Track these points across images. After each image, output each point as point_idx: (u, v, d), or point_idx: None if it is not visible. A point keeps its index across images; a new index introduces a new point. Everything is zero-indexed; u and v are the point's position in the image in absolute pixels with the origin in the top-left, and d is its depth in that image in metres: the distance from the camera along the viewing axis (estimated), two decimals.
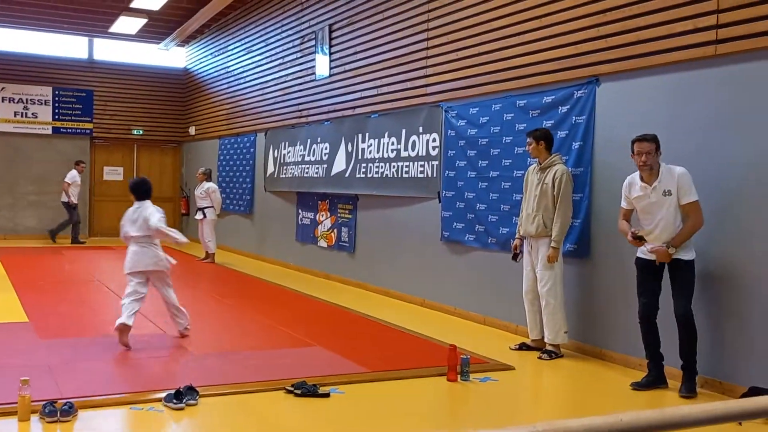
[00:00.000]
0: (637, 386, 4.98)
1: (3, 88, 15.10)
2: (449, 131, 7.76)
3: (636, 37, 5.52)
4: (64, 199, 14.36)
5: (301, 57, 11.20)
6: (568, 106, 6.21)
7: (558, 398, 5.22)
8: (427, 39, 8.11)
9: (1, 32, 15.07)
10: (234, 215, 13.81)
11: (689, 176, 4.81)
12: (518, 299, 6.76)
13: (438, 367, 5.25)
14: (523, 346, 6.14)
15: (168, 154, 17.23)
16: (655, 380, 4.99)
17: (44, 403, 4.06)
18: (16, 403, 4.00)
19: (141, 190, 6.44)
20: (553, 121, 6.36)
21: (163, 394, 4.39)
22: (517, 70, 6.78)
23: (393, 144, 8.80)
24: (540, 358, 5.82)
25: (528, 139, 6.01)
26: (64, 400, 4.12)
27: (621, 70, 5.69)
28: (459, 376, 5.05)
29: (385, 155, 8.94)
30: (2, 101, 15.12)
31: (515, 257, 6.22)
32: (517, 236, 6.26)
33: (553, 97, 6.37)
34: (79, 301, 8.15)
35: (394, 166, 8.77)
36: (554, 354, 5.82)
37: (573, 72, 6.15)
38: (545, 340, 5.90)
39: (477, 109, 7.32)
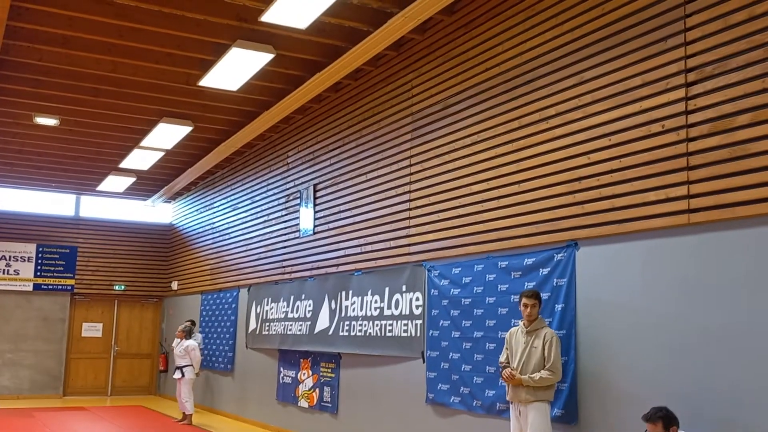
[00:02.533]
0: None
1: None
2: (432, 290, 7.81)
3: (610, 204, 5.73)
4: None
5: (286, 214, 11.42)
6: (549, 268, 6.32)
7: None
8: (410, 200, 8.34)
9: None
10: (214, 373, 13.51)
11: None
12: None
13: None
14: None
15: (149, 309, 17.08)
16: None
17: None
18: None
19: None
20: (534, 283, 6.43)
21: None
22: (498, 233, 6.94)
23: (376, 302, 8.81)
24: None
25: (530, 300, 5.89)
26: None
27: (598, 235, 5.85)
28: None
29: (369, 313, 8.92)
30: None
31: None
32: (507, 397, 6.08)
33: (534, 259, 6.49)
34: None
35: (377, 325, 8.73)
36: None
37: (552, 236, 6.31)
38: None
39: (459, 269, 7.42)
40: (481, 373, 6.98)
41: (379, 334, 8.67)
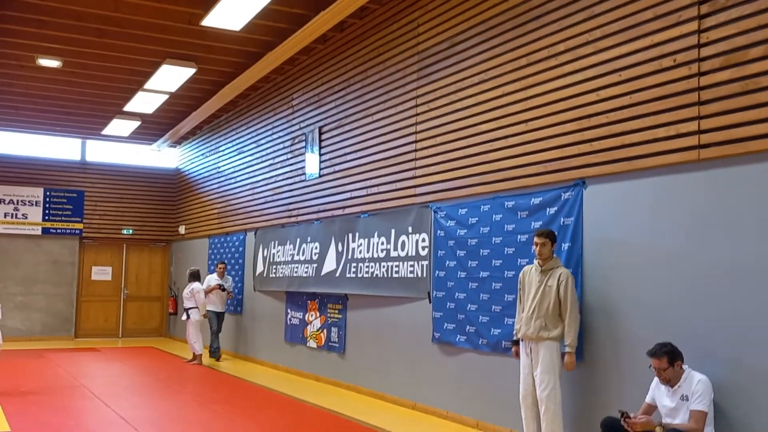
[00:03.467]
0: None
1: None
2: (438, 231, 7.80)
3: (620, 141, 5.66)
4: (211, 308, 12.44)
5: (292, 157, 11.37)
6: (556, 208, 6.28)
7: None
8: (416, 141, 8.27)
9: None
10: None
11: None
12: (512, 403, 6.63)
13: None
14: None
15: (157, 253, 17.20)
16: None
17: None
18: None
19: None
20: (541, 222, 6.41)
21: None
22: (505, 172, 6.89)
23: (383, 244, 8.82)
24: None
25: (541, 239, 5.82)
26: None
27: (606, 173, 5.79)
28: None
29: (375, 255, 8.95)
30: None
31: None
32: (514, 338, 6.12)
33: (541, 198, 6.45)
34: (63, 408, 7.91)
35: (383, 266, 8.76)
36: None
37: (559, 174, 6.25)
38: None
39: (466, 209, 7.39)
40: (487, 312, 7.02)
41: (385, 276, 8.71)
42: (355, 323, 9.46)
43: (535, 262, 5.97)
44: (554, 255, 5.90)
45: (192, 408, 8.16)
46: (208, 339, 12.56)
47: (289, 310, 11.20)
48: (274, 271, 11.73)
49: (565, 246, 6.13)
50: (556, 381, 5.70)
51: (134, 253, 16.97)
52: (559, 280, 5.71)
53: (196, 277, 12.36)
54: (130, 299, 16.83)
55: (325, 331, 10.14)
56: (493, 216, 7.03)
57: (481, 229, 7.17)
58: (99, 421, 7.30)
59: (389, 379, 8.57)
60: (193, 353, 12.05)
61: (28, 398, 8.38)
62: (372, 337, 9.02)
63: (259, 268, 12.30)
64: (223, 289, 12.42)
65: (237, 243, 13.29)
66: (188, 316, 11.99)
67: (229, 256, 13.62)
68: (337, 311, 9.87)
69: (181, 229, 16.43)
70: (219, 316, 12.51)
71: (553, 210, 6.32)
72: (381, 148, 8.95)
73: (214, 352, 12.32)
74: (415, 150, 8.28)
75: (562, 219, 6.21)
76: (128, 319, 16.80)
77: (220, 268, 12.62)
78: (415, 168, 8.27)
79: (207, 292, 12.28)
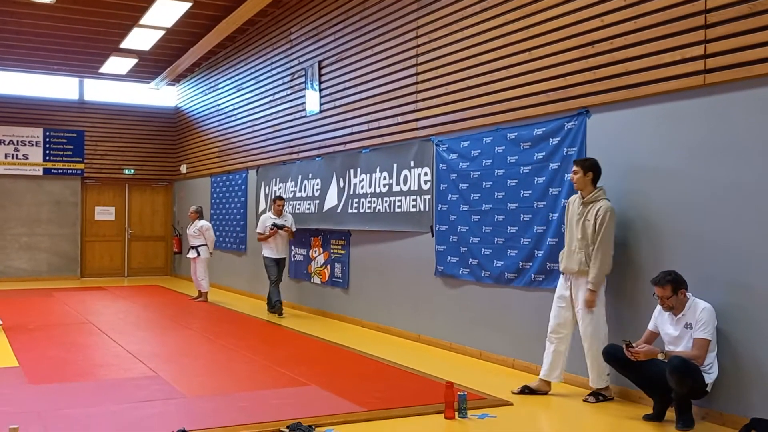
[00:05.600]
0: (647, 418, 4.97)
1: None
2: (441, 165, 7.76)
3: (624, 68, 5.56)
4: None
5: (291, 93, 11.25)
6: (559, 138, 6.22)
7: None
8: (417, 74, 8.15)
9: None
10: (227, 253, 13.73)
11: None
12: (514, 333, 6.71)
13: (435, 404, 5.17)
14: (525, 390, 5.74)
15: (159, 193, 17.21)
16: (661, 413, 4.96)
17: None
18: None
19: None
20: (544, 153, 6.36)
21: None
22: (507, 103, 6.80)
23: (385, 179, 8.79)
24: (585, 400, 5.49)
25: (575, 168, 5.58)
26: None
27: (611, 101, 5.71)
28: (456, 413, 4.96)
29: (377, 190, 8.93)
30: None
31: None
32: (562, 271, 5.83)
33: (544, 129, 6.38)
34: (70, 344, 8.03)
35: (386, 201, 8.75)
36: (602, 396, 5.49)
37: (562, 104, 6.17)
38: (590, 383, 5.56)
39: (468, 142, 7.33)
40: (489, 244, 7.03)
41: (387, 211, 8.71)
42: (358, 258, 9.50)
43: (580, 192, 5.65)
44: (598, 187, 5.55)
45: (198, 342, 8.28)
46: (225, 278, 12.60)
47: (292, 247, 11.24)
48: None
49: (568, 176, 6.09)
50: (599, 317, 5.50)
51: (137, 193, 16.98)
52: (597, 214, 5.43)
53: (201, 214, 12.35)
54: (134, 239, 16.91)
55: (328, 266, 10.20)
56: (495, 148, 6.98)
57: (483, 161, 7.13)
58: (106, 355, 7.41)
59: (393, 312, 8.66)
60: (199, 290, 12.16)
61: (36, 334, 8.50)
62: (375, 271, 9.07)
63: (262, 205, 12.30)
64: (281, 228, 10.35)
65: (239, 181, 13.27)
66: (197, 254, 12.03)
67: (231, 194, 13.62)
68: (340, 247, 9.91)
69: (183, 169, 16.39)
70: (279, 263, 10.48)
71: (556, 140, 6.26)
72: (382, 82, 8.83)
73: (275, 306, 10.34)
74: (417, 83, 8.16)
75: (565, 149, 6.16)
76: (133, 259, 16.92)
77: (278, 205, 10.38)
78: (417, 101, 8.18)
79: (264, 237, 10.37)
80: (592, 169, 5.55)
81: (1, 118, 15.24)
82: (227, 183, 13.86)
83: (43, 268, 15.70)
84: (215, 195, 14.49)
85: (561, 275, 5.80)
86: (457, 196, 7.49)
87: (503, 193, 6.88)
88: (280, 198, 10.49)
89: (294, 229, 10.52)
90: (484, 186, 7.11)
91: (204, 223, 12.27)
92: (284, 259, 10.61)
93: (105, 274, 16.49)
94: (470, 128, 7.32)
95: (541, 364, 5.81)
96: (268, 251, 10.43)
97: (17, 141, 15.38)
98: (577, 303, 5.61)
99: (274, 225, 10.30)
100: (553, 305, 5.79)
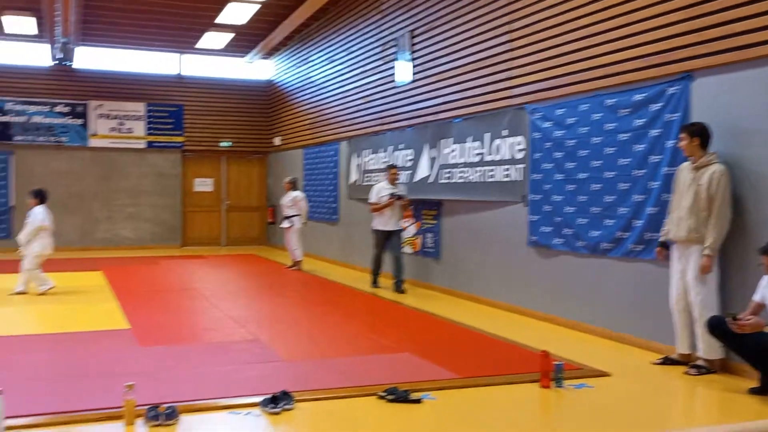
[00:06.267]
0: (753, 391, 4.83)
1: (101, 105, 15.85)
2: (535, 133, 7.64)
3: (731, 29, 5.31)
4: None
5: (383, 64, 11.28)
6: (661, 104, 6.01)
7: (660, 406, 5.04)
8: (511, 40, 8.02)
9: (99, 52, 15.81)
10: (320, 223, 14.01)
11: None
12: (611, 304, 6.60)
13: (530, 373, 5.16)
14: (666, 361, 5.67)
15: (254, 165, 17.67)
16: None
17: (148, 407, 4.22)
18: (122, 407, 4.17)
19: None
20: (644, 120, 6.17)
21: (259, 399, 4.49)
22: (605, 69, 6.62)
23: (477, 148, 8.74)
24: (687, 373, 5.40)
25: (681, 134, 5.46)
26: (167, 405, 4.26)
27: (715, 64, 5.47)
28: (553, 382, 4.95)
29: (469, 160, 8.89)
30: (100, 118, 15.89)
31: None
32: (661, 239, 5.78)
33: (645, 94, 6.18)
34: (176, 309, 8.43)
35: (478, 171, 8.71)
36: (704, 369, 5.38)
37: (664, 68, 5.96)
38: (699, 354, 5.45)
39: (564, 109, 7.19)
40: (585, 214, 6.91)
41: (480, 180, 8.66)
42: (449, 228, 9.51)
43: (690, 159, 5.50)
44: (709, 151, 5.38)
45: (294, 309, 8.52)
46: (318, 248, 12.85)
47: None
48: (367, 179, 11.85)
49: (670, 143, 5.90)
50: (710, 285, 5.37)
51: (233, 165, 17.49)
52: (710, 177, 5.26)
53: (295, 185, 12.62)
54: (231, 209, 17.47)
55: (420, 236, 10.26)
56: (592, 115, 6.82)
57: (580, 129, 6.98)
58: (209, 320, 7.74)
59: (485, 282, 8.65)
60: (294, 260, 12.47)
61: (145, 299, 8.95)
62: (467, 241, 9.07)
63: (353, 176, 12.46)
64: (399, 198, 9.64)
65: (331, 153, 13.46)
66: (291, 224, 12.34)
67: (324, 165, 13.84)
68: (431, 217, 9.94)
69: (277, 141, 16.76)
70: (390, 236, 9.79)
71: (657, 106, 6.05)
72: (474, 50, 8.74)
73: (376, 280, 9.99)
74: (511, 50, 8.04)
75: (666, 115, 5.95)
76: (230, 229, 17.50)
77: (392, 173, 9.71)
78: (510, 69, 8.06)
79: (379, 208, 9.69)
80: (699, 134, 5.38)
81: (107, 94, 15.95)
82: (319, 154, 14.09)
83: (146, 237, 16.45)
84: (308, 166, 14.76)
85: (671, 245, 5.66)
86: (552, 164, 7.37)
87: (600, 162, 6.72)
88: (394, 166, 9.82)
89: (408, 199, 9.86)
90: (580, 154, 6.97)
91: (298, 194, 12.54)
92: (398, 232, 9.83)
93: (203, 243, 17.13)
94: (566, 95, 7.17)
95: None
96: (380, 223, 9.77)
97: (122, 115, 16.10)
98: (687, 272, 5.47)
99: (392, 195, 9.61)
100: (671, 277, 5.67)
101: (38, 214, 9.18)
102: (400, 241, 9.90)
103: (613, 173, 6.53)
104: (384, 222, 9.78)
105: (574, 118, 7.05)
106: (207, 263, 13.61)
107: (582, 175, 6.94)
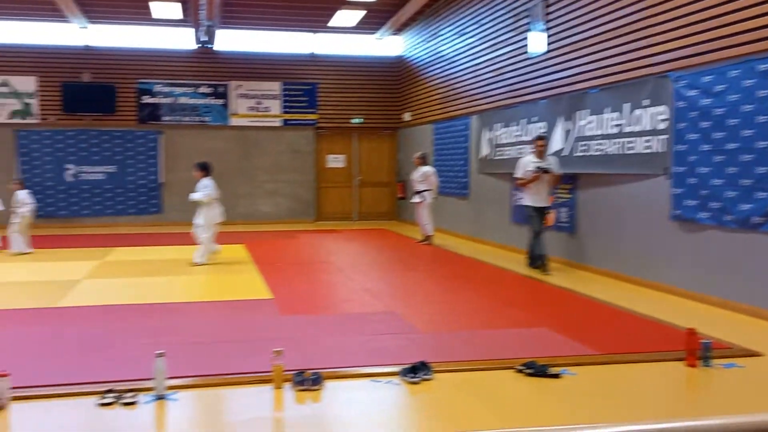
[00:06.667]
0: None
1: (240, 86, 16.56)
2: (679, 102, 7.29)
3: None
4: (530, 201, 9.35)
5: (514, 36, 11.08)
6: None
7: None
8: (650, 6, 7.66)
9: (238, 34, 16.48)
10: (450, 198, 14.03)
11: None
12: (761, 281, 6.24)
13: (674, 351, 4.99)
14: None
15: (385, 141, 17.89)
16: None
17: (295, 372, 4.43)
18: (271, 371, 4.40)
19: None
20: None
21: (398, 369, 4.60)
22: (757, 32, 6.20)
23: (615, 119, 8.44)
24: None
25: None
26: (312, 371, 4.46)
27: None
28: (700, 361, 4.76)
29: (607, 131, 8.60)
30: (240, 98, 16.60)
31: None
32: None
33: None
34: (314, 280, 8.75)
35: (616, 143, 8.42)
36: None
37: None
38: None
39: (711, 76, 6.80)
40: (735, 186, 6.54)
41: (618, 153, 8.37)
42: (585, 202, 9.27)
43: None
44: None
45: (426, 282, 8.63)
46: (448, 223, 12.94)
47: (515, 192, 11.22)
48: (499, 153, 11.74)
49: None
50: None
51: (364, 141, 17.80)
52: None
53: (425, 160, 12.70)
54: (362, 185, 17.83)
55: (554, 211, 10.06)
56: (743, 82, 6.42)
57: (729, 97, 6.59)
58: (345, 291, 7.98)
59: (622, 257, 8.39)
60: (424, 234, 12.59)
61: (284, 271, 9.34)
62: (603, 216, 8.81)
63: (484, 151, 12.37)
64: (546, 171, 9.04)
65: (461, 127, 13.42)
66: (422, 199, 12.45)
67: (454, 140, 13.83)
68: (566, 191, 9.72)
69: (406, 116, 16.88)
70: (541, 213, 9.22)
71: None
72: (612, 17, 8.42)
73: (538, 261, 9.20)
74: (651, 15, 7.68)
75: None
76: (362, 204, 17.87)
77: (539, 145, 9.11)
78: (651, 35, 7.71)
79: (525, 183, 9.18)
80: None
81: (245, 74, 16.63)
82: (449, 129, 14.07)
83: (283, 212, 17.10)
84: (438, 141, 14.79)
85: None
86: (698, 135, 7.01)
87: (752, 131, 6.33)
88: (541, 138, 9.17)
89: (560, 173, 9.20)
90: (730, 123, 6.59)
91: (428, 169, 12.60)
92: (547, 208, 9.23)
93: (336, 218, 17.60)
94: (713, 61, 6.78)
95: None
96: (529, 199, 9.22)
97: (260, 94, 16.75)
98: None
99: (538, 168, 9.01)
100: None
101: (207, 187, 9.75)
102: (543, 218, 9.29)
103: (766, 143, 6.14)
104: (533, 197, 9.19)
105: (723, 86, 6.66)
106: (340, 237, 13.99)
107: (731, 146, 6.57)
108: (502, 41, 11.55)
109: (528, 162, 9.20)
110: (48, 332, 5.92)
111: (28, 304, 7.13)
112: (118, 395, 4.17)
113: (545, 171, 9.02)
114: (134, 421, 3.88)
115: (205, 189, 9.69)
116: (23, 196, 11.01)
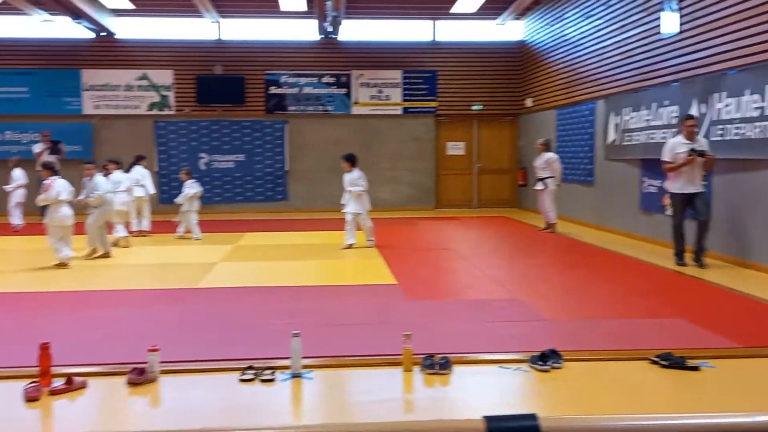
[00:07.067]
0: None
1: (362, 75, 16.84)
2: None
3: None
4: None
5: (645, 16, 10.65)
6: None
7: None
8: None
9: (360, 24, 16.74)
10: (573, 185, 13.72)
11: None
12: None
13: None
14: None
15: (505, 128, 17.69)
16: None
17: (424, 356, 4.51)
18: (401, 354, 4.50)
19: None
20: None
21: (525, 356, 4.59)
22: None
23: (756, 102, 7.97)
24: None
25: None
26: (441, 355, 4.53)
27: None
28: None
29: (747, 114, 8.14)
30: (361, 87, 16.89)
31: None
32: None
33: None
34: (436, 266, 8.82)
35: (757, 126, 7.95)
36: None
37: None
38: None
39: None
40: None
41: (760, 137, 7.91)
42: (720, 189, 8.83)
43: None
44: None
45: (550, 270, 8.50)
46: (572, 210, 12.70)
47: (644, 178, 10.84)
48: (627, 138, 11.35)
49: None
50: None
51: (484, 128, 17.67)
52: None
53: (548, 147, 12.48)
54: (482, 172, 17.72)
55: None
56: None
57: None
58: (468, 278, 7.99)
59: (764, 247, 7.93)
60: (547, 222, 12.38)
61: (406, 257, 9.46)
62: (743, 203, 8.36)
63: (611, 136, 12.00)
64: (701, 155, 8.12)
65: (586, 113, 13.07)
66: (544, 186, 12.25)
67: (578, 125, 13.49)
68: (701, 177, 9.28)
69: (528, 102, 16.61)
70: (692, 199, 8.33)
71: None
72: None
73: (682, 256, 8.46)
74: None
75: None
76: (481, 191, 17.78)
77: (688, 126, 8.27)
78: None
79: (675, 167, 8.28)
80: None
81: (367, 63, 16.88)
82: (573, 114, 13.74)
83: (403, 200, 17.28)
84: (561, 127, 14.47)
85: None
86: None
87: None
88: (691, 117, 8.38)
89: (714, 156, 8.31)
90: None
91: (551, 155, 12.37)
92: (701, 194, 8.37)
93: (456, 205, 17.59)
94: None
95: None
96: (677, 185, 8.35)
97: (380, 83, 16.96)
98: None
99: (692, 150, 8.13)
100: None
101: (360, 179, 10.26)
102: (705, 205, 8.39)
103: None
104: (681, 184, 8.32)
105: None
106: (460, 224, 13.99)
107: None
108: (631, 23, 11.13)
109: (677, 144, 8.33)
110: (191, 311, 6.30)
111: (172, 285, 7.62)
112: (258, 372, 4.39)
113: (701, 154, 8.12)
114: (272, 398, 4.07)
115: (359, 181, 10.23)
116: (190, 184, 11.68)
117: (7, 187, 13.04)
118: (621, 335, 5.25)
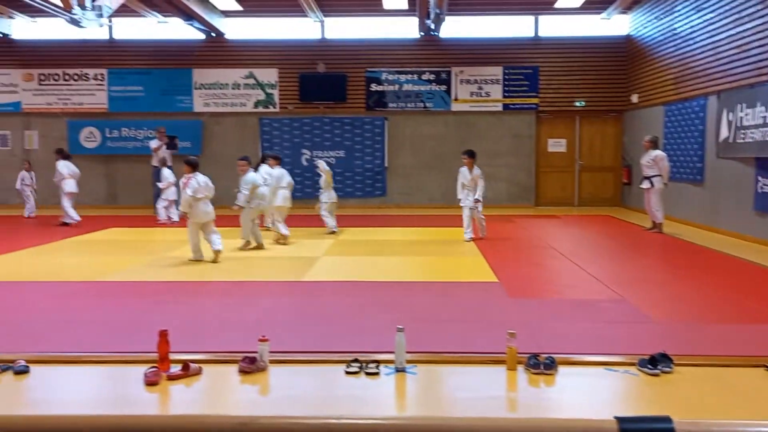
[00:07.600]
0: None
1: (462, 71, 16.79)
2: None
3: None
4: None
5: (762, 9, 10.14)
6: None
7: None
8: None
9: (460, 20, 16.69)
10: (681, 184, 13.23)
11: None
12: None
13: None
14: None
15: (609, 124, 17.23)
16: None
17: (529, 355, 4.49)
18: (505, 353, 4.49)
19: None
20: None
21: (631, 358, 4.48)
22: None
23: None
24: None
25: None
26: (545, 355, 4.49)
27: None
28: None
29: None
30: (461, 83, 16.85)
31: None
32: None
33: None
34: (536, 264, 8.72)
35: None
36: None
37: None
38: None
39: None
40: None
41: None
42: None
43: None
44: None
45: (657, 271, 8.25)
46: (679, 210, 12.26)
47: (759, 178, 10.33)
48: (741, 135, 10.85)
49: None
50: None
51: (586, 125, 17.27)
52: None
53: (655, 144, 12.07)
54: (584, 169, 17.33)
55: None
56: None
57: None
58: (570, 277, 7.86)
59: None
60: (653, 222, 11.99)
61: (507, 255, 9.40)
62: None
63: (723, 133, 11.49)
64: None
65: (697, 109, 12.56)
66: (651, 184, 11.87)
67: (688, 122, 12.98)
68: None
69: (634, 98, 16.11)
70: None
71: None
72: None
73: None
74: None
75: None
76: (583, 189, 17.39)
77: None
78: None
79: None
80: None
81: (467, 60, 16.82)
82: (683, 111, 13.23)
83: (501, 197, 17.12)
84: (669, 124, 13.97)
85: None
86: None
87: None
88: None
89: None
90: None
91: (658, 153, 11.96)
92: None
93: (556, 203, 17.28)
94: None
95: None
96: None
97: (480, 80, 16.87)
98: None
99: None
100: None
101: (477, 172, 10.81)
102: None
103: None
104: None
105: None
106: (561, 223, 13.74)
107: None
108: (746, 15, 10.62)
109: None
110: (297, 303, 6.49)
111: (279, 278, 7.87)
112: (363, 365, 4.49)
113: None
114: (376, 391, 4.15)
115: (469, 176, 10.76)
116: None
117: (161, 184, 13.73)
118: (734, 340, 5.05)
